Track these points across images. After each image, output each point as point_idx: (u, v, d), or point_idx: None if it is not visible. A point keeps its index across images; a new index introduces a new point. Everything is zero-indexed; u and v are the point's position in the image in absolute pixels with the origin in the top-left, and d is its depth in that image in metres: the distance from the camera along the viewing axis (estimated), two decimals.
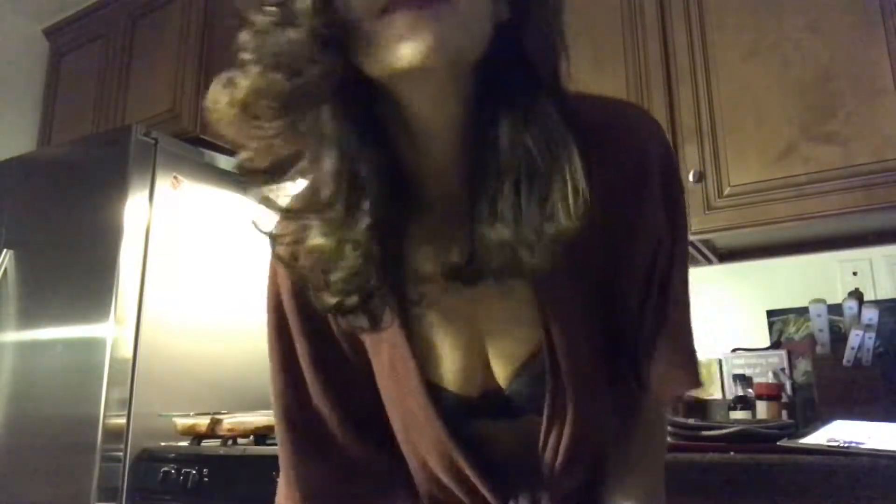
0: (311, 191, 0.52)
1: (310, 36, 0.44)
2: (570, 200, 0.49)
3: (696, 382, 0.62)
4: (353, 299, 0.54)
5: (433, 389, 0.61)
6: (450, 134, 0.53)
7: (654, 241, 0.59)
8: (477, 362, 0.61)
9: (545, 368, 0.59)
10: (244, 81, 0.46)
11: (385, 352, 0.63)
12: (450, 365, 0.61)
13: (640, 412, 0.67)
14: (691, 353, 0.63)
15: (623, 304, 0.61)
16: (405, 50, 0.44)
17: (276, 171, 0.51)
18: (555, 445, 0.61)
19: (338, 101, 0.49)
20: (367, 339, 0.64)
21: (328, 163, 0.50)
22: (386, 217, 0.52)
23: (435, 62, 0.44)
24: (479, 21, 0.47)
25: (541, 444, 0.61)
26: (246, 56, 0.46)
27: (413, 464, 0.66)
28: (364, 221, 0.51)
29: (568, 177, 0.49)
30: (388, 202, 0.52)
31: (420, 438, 0.63)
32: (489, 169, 0.51)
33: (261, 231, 0.55)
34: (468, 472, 0.61)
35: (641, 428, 0.67)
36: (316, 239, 0.52)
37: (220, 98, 0.48)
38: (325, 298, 0.54)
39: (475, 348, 0.61)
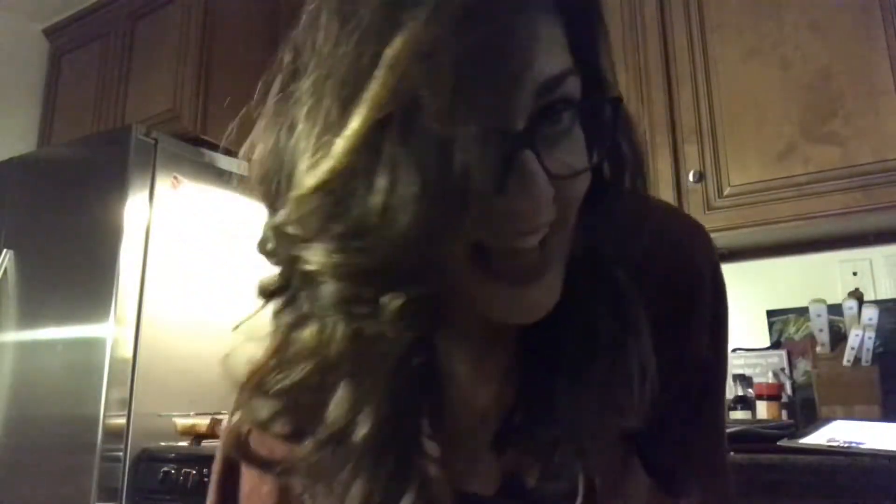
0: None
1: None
2: (636, 398, 0.43)
3: None
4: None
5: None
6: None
7: (698, 361, 0.53)
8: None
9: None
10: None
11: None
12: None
13: None
14: (730, 489, 0.58)
15: (658, 420, 0.52)
16: (501, 315, 0.41)
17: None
18: None
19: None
20: None
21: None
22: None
23: (527, 322, 0.42)
24: (562, 272, 0.42)
25: None
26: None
27: None
28: None
29: (636, 371, 0.43)
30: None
31: None
32: (541, 358, 0.45)
33: None
34: None
35: None
36: None
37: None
38: None
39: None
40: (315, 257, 0.37)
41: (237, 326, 0.46)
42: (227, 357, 0.46)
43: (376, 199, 0.34)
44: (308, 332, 0.42)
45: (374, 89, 0.34)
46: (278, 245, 0.40)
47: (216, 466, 0.56)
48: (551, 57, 0.38)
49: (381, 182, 0.34)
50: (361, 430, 0.42)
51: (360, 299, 0.37)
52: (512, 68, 0.36)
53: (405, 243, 0.34)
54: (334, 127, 0.35)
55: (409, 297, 0.36)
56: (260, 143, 0.41)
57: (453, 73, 0.34)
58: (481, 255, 0.39)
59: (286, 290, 0.44)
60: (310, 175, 0.36)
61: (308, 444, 0.44)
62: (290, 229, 0.38)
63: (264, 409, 0.45)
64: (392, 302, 0.36)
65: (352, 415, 0.42)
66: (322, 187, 0.36)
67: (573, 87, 0.40)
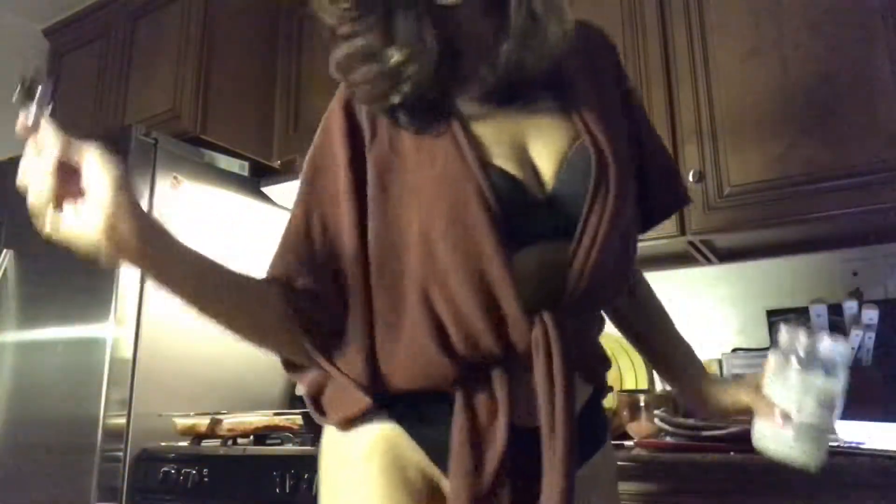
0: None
1: None
2: (559, 37, 0.77)
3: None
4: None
5: (490, 174, 0.72)
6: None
7: (634, 92, 0.92)
8: (525, 163, 0.75)
9: (589, 155, 0.74)
10: None
11: (440, 157, 0.74)
12: (502, 157, 0.74)
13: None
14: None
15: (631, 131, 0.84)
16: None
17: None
18: (587, 246, 0.71)
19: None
20: (418, 155, 0.75)
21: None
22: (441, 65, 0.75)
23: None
24: None
25: (574, 243, 0.71)
26: None
27: (420, 293, 0.72)
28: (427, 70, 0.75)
29: (560, 25, 0.77)
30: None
31: (455, 248, 0.70)
32: (508, 20, 0.76)
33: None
34: (501, 283, 0.69)
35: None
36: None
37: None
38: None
39: (522, 151, 0.76)
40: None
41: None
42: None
43: None
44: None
45: None
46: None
47: (336, 118, 0.81)
48: None
49: None
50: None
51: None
52: None
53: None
54: None
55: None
56: None
57: None
58: None
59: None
60: None
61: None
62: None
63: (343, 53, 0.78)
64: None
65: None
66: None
67: None
